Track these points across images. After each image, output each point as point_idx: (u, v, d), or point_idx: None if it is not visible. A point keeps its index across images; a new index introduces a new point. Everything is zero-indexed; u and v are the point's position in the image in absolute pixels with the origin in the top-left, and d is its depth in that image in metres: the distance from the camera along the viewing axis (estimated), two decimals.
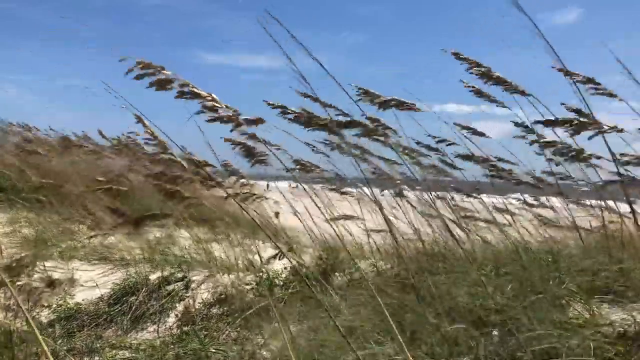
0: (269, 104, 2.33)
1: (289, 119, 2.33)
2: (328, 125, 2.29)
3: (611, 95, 2.45)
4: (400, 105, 2.47)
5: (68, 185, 5.47)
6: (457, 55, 2.62)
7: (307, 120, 2.30)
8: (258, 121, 2.08)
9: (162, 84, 1.76)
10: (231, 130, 1.96)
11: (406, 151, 2.89)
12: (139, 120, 1.77)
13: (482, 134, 3.07)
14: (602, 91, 2.44)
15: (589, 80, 2.41)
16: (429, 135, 3.09)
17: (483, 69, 2.56)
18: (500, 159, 3.09)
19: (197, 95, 1.81)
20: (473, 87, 2.78)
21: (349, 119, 2.37)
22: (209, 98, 1.84)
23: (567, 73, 2.41)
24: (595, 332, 1.78)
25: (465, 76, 2.71)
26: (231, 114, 1.88)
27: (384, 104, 2.44)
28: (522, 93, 2.61)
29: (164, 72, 1.75)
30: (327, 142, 2.90)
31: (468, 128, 3.06)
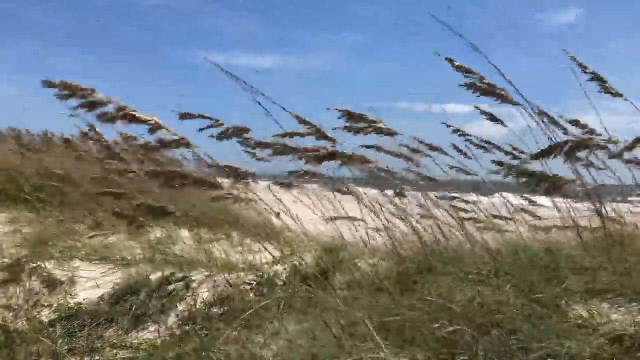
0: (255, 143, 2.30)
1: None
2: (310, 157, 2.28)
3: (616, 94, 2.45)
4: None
5: (69, 186, 5.48)
6: (451, 61, 2.62)
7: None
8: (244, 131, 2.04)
9: (92, 106, 1.70)
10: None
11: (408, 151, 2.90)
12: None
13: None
14: (608, 89, 2.44)
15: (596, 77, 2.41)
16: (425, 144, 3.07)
17: (474, 76, 2.55)
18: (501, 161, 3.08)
19: (135, 119, 1.77)
20: (475, 85, 2.75)
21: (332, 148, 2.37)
22: (152, 122, 1.79)
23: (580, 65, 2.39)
24: (594, 332, 1.78)
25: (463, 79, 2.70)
26: (177, 138, 1.85)
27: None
28: (512, 102, 2.61)
29: (95, 94, 1.69)
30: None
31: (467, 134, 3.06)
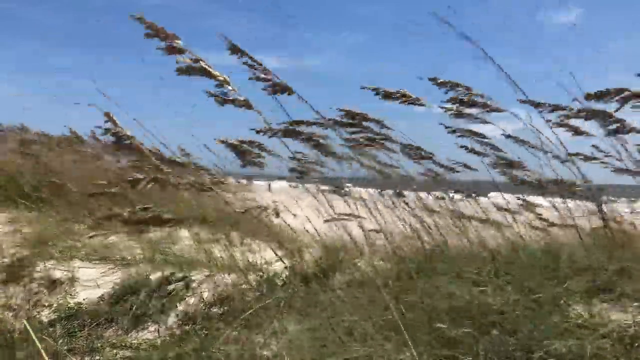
0: (257, 132, 2.30)
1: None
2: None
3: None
4: (405, 98, 2.49)
5: (69, 186, 5.47)
6: (434, 80, 2.64)
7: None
8: (287, 89, 2.06)
9: (172, 51, 1.74)
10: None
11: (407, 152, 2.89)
12: (109, 118, 1.75)
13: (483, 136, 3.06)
14: None
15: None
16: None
17: (459, 90, 2.57)
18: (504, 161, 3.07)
19: (207, 74, 1.79)
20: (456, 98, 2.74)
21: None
22: (221, 77, 1.83)
23: None
24: (595, 332, 1.78)
25: (464, 78, 2.70)
26: (242, 99, 1.89)
27: (389, 96, 2.45)
28: (498, 110, 2.63)
29: (177, 41, 1.73)
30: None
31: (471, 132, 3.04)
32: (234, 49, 2.02)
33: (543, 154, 2.76)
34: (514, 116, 2.70)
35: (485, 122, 2.91)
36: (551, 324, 1.83)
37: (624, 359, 1.65)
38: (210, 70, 1.80)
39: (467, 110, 2.75)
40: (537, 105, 2.60)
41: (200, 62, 1.78)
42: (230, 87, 1.88)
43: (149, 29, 1.72)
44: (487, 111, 2.66)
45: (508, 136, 2.96)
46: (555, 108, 2.53)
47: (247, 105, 1.94)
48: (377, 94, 2.57)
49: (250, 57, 2.07)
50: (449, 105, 2.71)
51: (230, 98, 1.90)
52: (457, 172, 3.16)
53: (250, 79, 2.06)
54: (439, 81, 2.62)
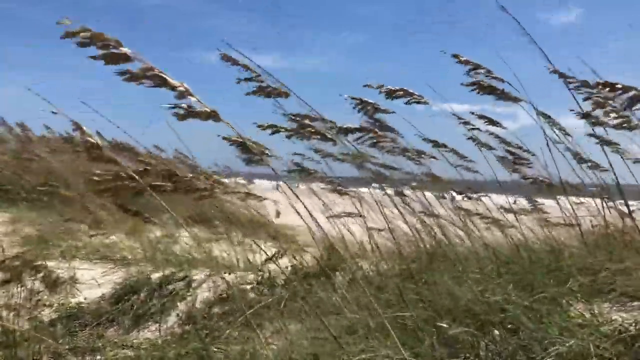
0: (258, 126, 2.27)
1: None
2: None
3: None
4: (409, 95, 2.48)
5: (68, 186, 5.48)
6: (457, 57, 2.61)
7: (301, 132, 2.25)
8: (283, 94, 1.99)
9: (114, 59, 1.49)
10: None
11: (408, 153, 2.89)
12: (77, 127, 1.56)
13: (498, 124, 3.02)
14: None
15: (585, 84, 2.40)
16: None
17: (482, 70, 2.55)
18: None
19: (164, 83, 1.55)
20: (477, 83, 2.71)
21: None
22: (181, 87, 1.58)
23: (562, 75, 2.39)
24: (596, 331, 1.78)
25: (464, 78, 2.69)
26: (209, 110, 1.65)
27: (392, 94, 2.44)
28: (515, 100, 2.61)
29: (121, 48, 1.49)
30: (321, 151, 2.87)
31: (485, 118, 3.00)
32: (228, 58, 1.96)
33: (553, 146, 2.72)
34: (526, 110, 2.68)
35: (492, 122, 2.88)
36: (553, 324, 1.83)
37: (625, 359, 1.65)
38: (167, 78, 1.55)
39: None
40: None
41: (154, 70, 1.52)
42: (193, 98, 1.59)
43: (83, 35, 1.42)
44: (503, 100, 2.62)
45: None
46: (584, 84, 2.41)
47: (215, 117, 1.67)
48: (380, 92, 2.55)
49: (245, 66, 2.00)
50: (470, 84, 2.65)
51: (195, 110, 1.62)
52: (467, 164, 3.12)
53: (244, 79, 2.01)
54: (461, 59, 2.58)
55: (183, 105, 1.62)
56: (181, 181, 1.68)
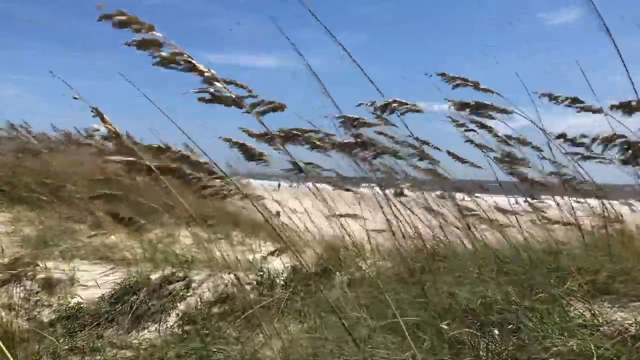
0: (243, 131, 2.21)
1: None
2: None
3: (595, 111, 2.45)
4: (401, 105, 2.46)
5: (68, 186, 5.47)
6: (443, 75, 2.60)
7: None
8: (278, 107, 1.87)
9: (145, 45, 1.52)
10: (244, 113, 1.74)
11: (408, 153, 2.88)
12: (97, 114, 1.59)
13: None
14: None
15: (575, 100, 2.42)
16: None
17: (470, 83, 2.55)
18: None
19: (192, 68, 1.57)
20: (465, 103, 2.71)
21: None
22: (208, 73, 1.60)
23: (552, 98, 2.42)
24: (597, 331, 1.78)
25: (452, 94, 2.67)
26: (234, 97, 1.65)
27: (385, 107, 2.42)
28: (504, 111, 2.62)
29: (153, 32, 1.51)
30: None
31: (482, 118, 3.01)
32: (216, 79, 1.84)
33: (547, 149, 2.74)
34: (520, 114, 2.68)
35: (491, 117, 2.89)
36: (552, 324, 1.82)
37: (625, 359, 1.65)
38: (196, 63, 1.58)
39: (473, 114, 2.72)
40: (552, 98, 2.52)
41: (183, 54, 1.56)
42: (219, 84, 1.62)
43: (119, 18, 1.46)
44: (493, 113, 2.63)
45: (509, 137, 2.96)
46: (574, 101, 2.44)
47: (238, 103, 1.69)
48: (375, 109, 2.51)
49: (234, 82, 1.92)
50: (456, 100, 2.65)
51: (221, 95, 1.65)
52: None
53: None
54: (448, 76, 2.58)
55: (210, 89, 1.65)
56: (200, 180, 1.69)
